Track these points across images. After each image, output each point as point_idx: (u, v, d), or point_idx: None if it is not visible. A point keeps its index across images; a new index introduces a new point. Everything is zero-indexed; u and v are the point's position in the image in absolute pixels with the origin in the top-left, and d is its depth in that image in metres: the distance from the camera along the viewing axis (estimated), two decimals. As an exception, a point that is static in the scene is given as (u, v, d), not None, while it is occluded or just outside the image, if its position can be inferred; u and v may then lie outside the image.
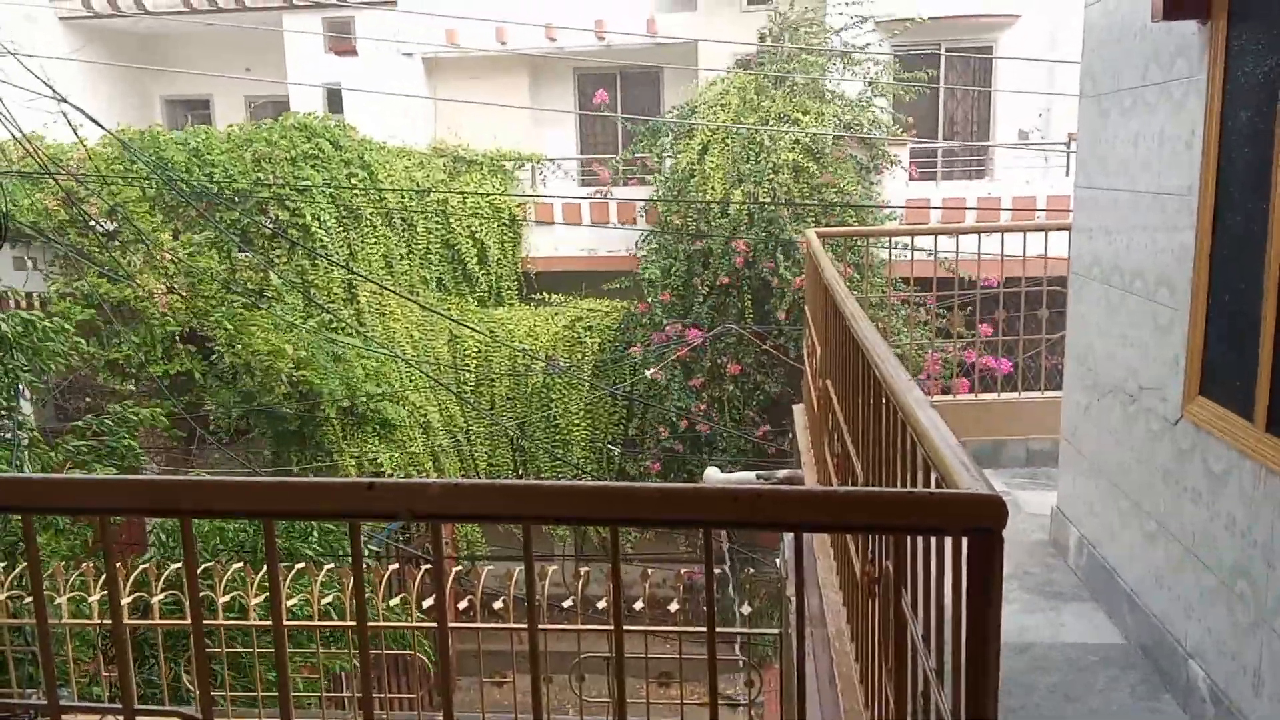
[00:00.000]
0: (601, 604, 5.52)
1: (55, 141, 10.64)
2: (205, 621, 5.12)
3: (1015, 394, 5.75)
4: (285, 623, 5.44)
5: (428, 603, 5.60)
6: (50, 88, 6.95)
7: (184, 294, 9.52)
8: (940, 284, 8.00)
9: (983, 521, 1.26)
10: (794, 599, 4.13)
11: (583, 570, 5.82)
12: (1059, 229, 5.41)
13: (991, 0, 12.38)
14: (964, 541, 1.28)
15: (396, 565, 7.78)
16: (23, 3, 12.40)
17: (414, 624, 5.89)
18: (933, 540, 1.58)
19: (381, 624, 5.42)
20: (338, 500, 1.48)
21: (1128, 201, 3.75)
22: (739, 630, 7.64)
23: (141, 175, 10.74)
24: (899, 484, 2.02)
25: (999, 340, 5.94)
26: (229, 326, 9.91)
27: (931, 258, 8.32)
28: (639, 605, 5.11)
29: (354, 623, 4.22)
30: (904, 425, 1.94)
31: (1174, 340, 3.30)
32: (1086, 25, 4.31)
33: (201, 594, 5.27)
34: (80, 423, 6.48)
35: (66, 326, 6.31)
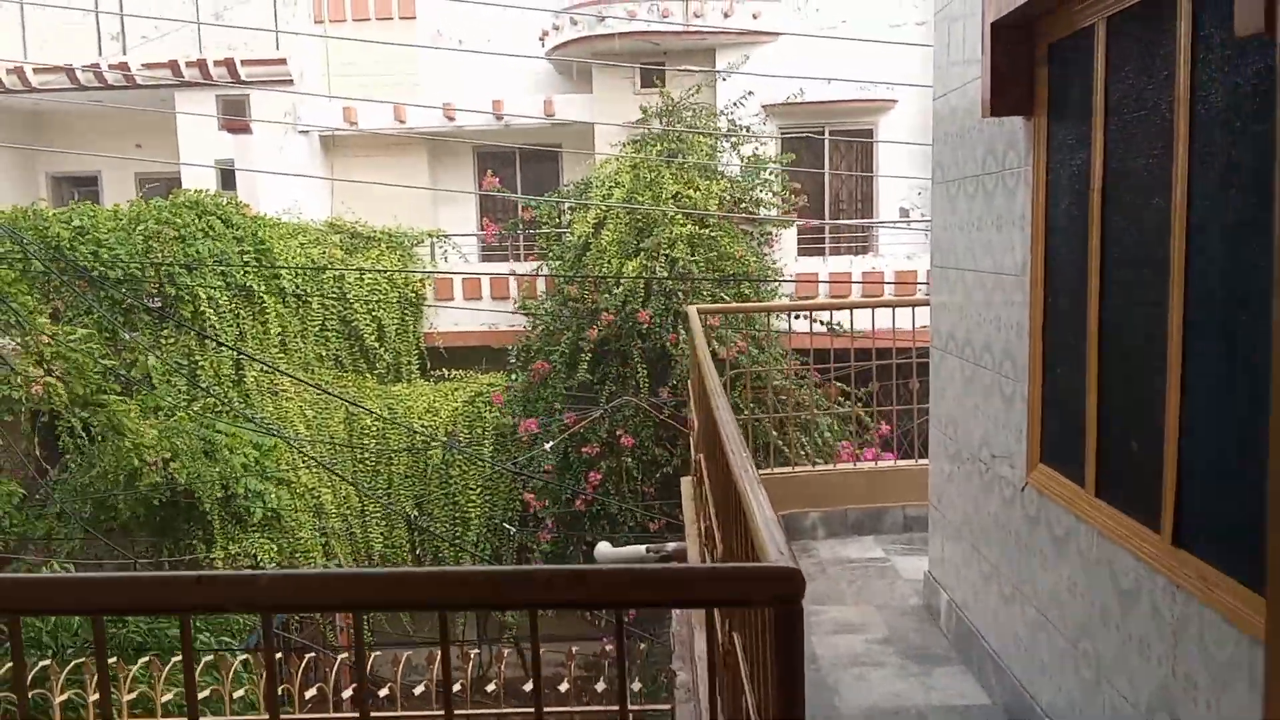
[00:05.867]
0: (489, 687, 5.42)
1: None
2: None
3: (893, 462, 5.98)
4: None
5: (311, 692, 5.43)
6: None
7: (60, 378, 9.18)
8: (836, 354, 8.31)
9: (783, 591, 1.36)
10: (675, 674, 4.17)
11: (501, 650, 5.73)
12: (925, 304, 5.69)
13: (870, 88, 13.07)
14: (769, 611, 1.37)
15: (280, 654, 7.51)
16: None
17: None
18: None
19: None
20: (168, 595, 1.49)
21: (974, 281, 4.01)
22: (632, 709, 7.59)
23: (18, 255, 10.42)
24: (744, 558, 2.10)
25: (874, 410, 6.19)
26: (99, 414, 9.54)
27: (825, 329, 8.66)
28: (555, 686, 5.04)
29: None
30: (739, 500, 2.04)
31: (1017, 411, 3.51)
32: (935, 116, 4.63)
33: (36, 693, 5.02)
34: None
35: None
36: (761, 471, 5.54)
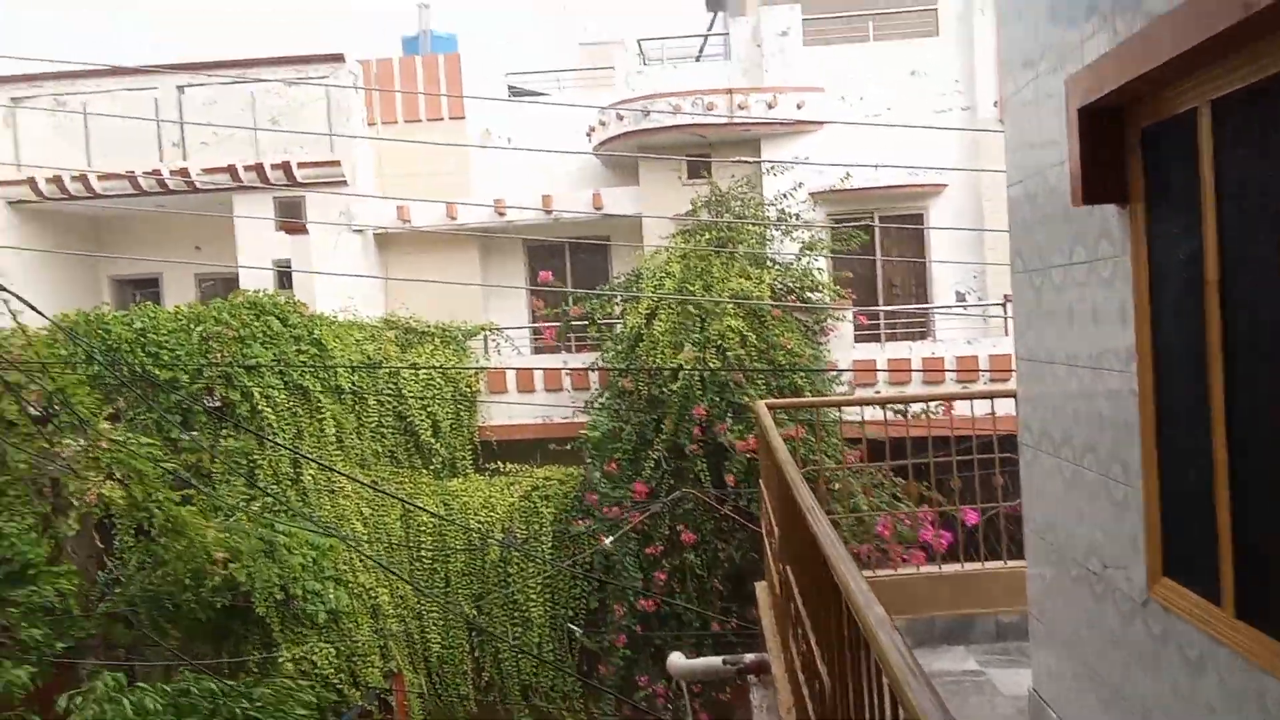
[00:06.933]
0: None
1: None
2: None
3: (979, 564, 5.67)
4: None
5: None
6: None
7: (120, 480, 9.20)
8: (893, 445, 8.04)
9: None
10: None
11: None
12: (1005, 395, 5.47)
13: (918, 173, 13.04)
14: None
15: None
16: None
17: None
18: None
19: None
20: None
21: (1068, 375, 3.79)
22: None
23: (82, 359, 10.58)
24: (865, 708, 1.90)
25: (955, 509, 5.91)
26: (158, 515, 9.52)
27: (884, 418, 8.40)
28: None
29: None
30: (865, 642, 1.85)
31: (1131, 518, 3.26)
32: (1011, 204, 4.47)
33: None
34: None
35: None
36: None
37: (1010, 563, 5.45)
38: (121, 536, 10.31)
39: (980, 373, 11.24)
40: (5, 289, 6.98)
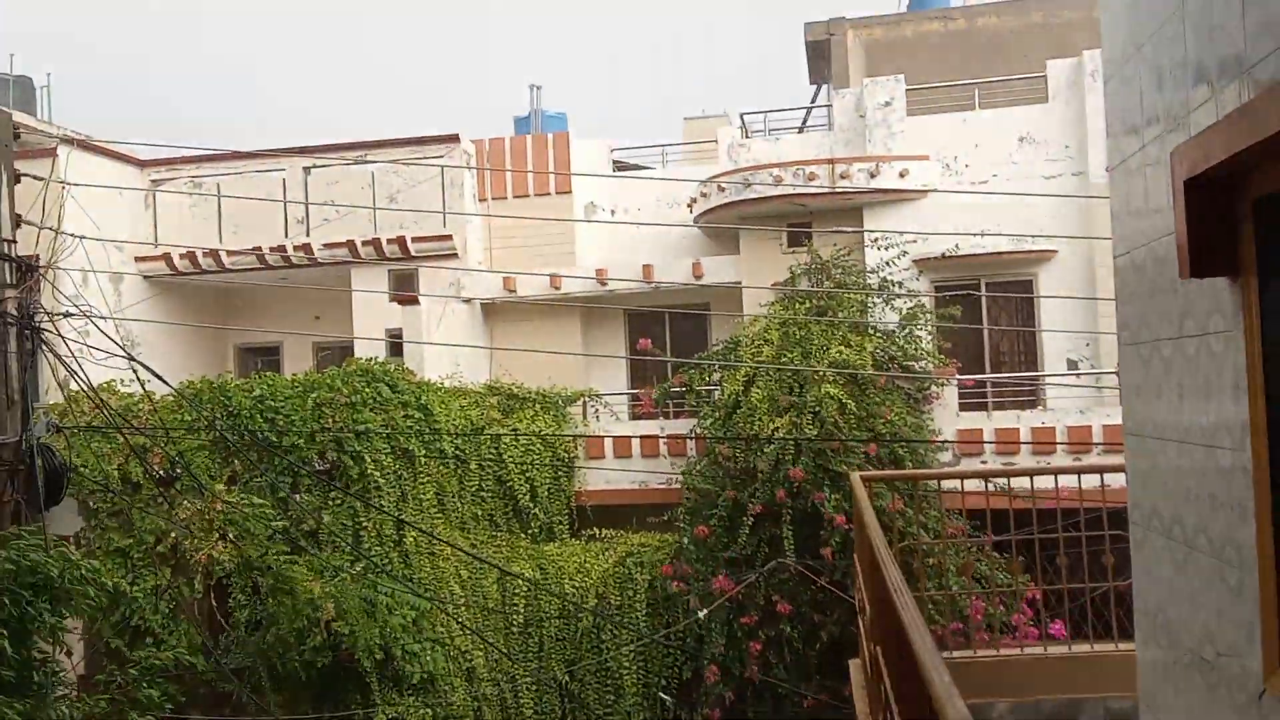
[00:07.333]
0: None
1: (129, 392, 11.17)
2: None
3: (1087, 646, 5.39)
4: None
5: None
6: (120, 346, 7.37)
7: (234, 541, 9.59)
8: (994, 515, 7.75)
9: None
10: None
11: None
12: (1114, 470, 5.25)
13: (1026, 240, 12.76)
14: None
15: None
16: (105, 268, 13.41)
17: None
18: None
19: None
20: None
21: (1179, 453, 3.64)
22: None
23: (203, 426, 11.14)
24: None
25: (1064, 588, 5.64)
26: (269, 575, 9.85)
27: (984, 490, 8.13)
28: None
29: None
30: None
31: (1246, 605, 3.08)
32: (1118, 273, 4.35)
33: None
34: (102, 675, 6.35)
35: (98, 567, 6.31)
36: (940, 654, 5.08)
37: (1121, 645, 5.17)
38: (235, 595, 10.70)
39: (1093, 445, 10.79)
40: (134, 359, 7.45)
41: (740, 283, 14.56)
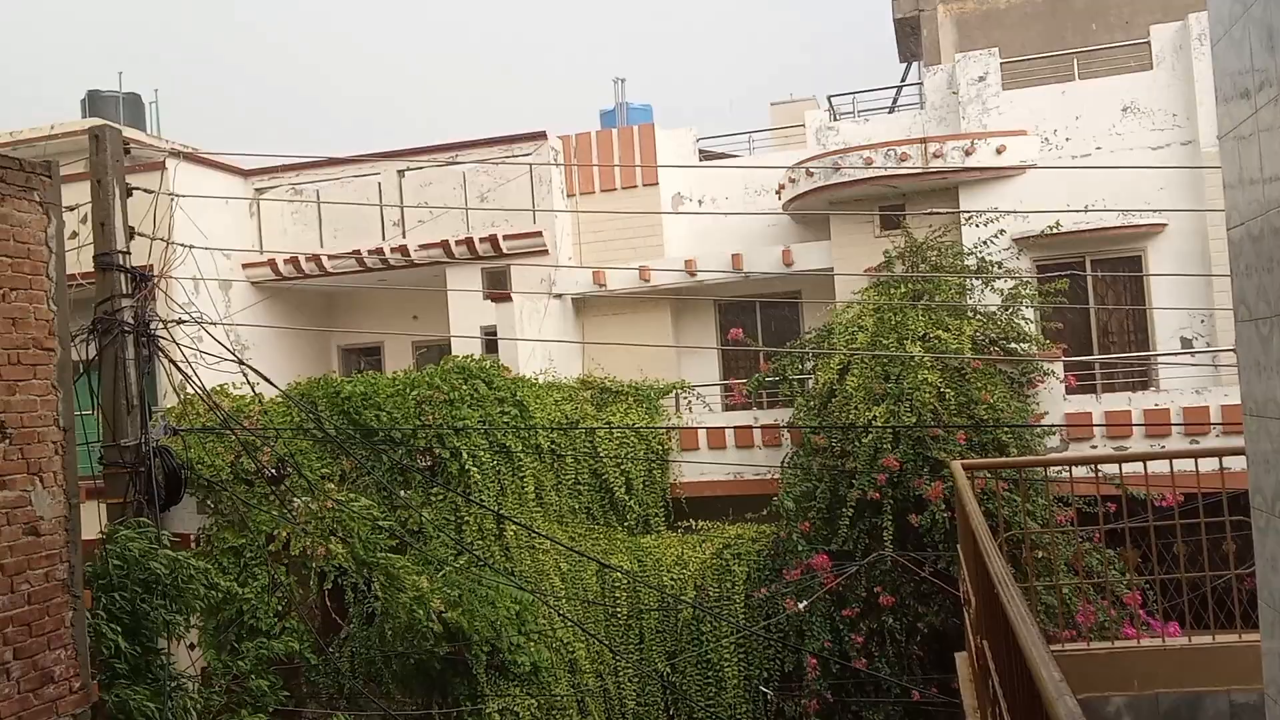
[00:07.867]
0: None
1: (240, 394, 11.63)
2: None
3: (1208, 638, 5.14)
4: None
5: None
6: (230, 350, 7.67)
7: (343, 539, 9.89)
8: (1105, 503, 7.44)
9: None
10: None
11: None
12: (1233, 453, 4.99)
13: (1133, 215, 12.22)
14: None
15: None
16: (214, 275, 14.00)
17: None
18: None
19: None
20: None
21: (1305, 433, 3.42)
22: None
23: (311, 425, 11.52)
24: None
25: (1183, 577, 5.37)
26: (378, 571, 10.12)
27: (1096, 476, 7.80)
28: None
29: None
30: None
31: (1385, 594, 2.89)
32: (1232, 247, 4.11)
33: None
34: (217, 664, 6.60)
35: (209, 567, 6.57)
36: (1051, 646, 4.90)
37: (1245, 635, 4.91)
38: (348, 592, 11.04)
39: (1211, 426, 10.27)
40: (244, 363, 7.76)
41: (831, 269, 14.33)
